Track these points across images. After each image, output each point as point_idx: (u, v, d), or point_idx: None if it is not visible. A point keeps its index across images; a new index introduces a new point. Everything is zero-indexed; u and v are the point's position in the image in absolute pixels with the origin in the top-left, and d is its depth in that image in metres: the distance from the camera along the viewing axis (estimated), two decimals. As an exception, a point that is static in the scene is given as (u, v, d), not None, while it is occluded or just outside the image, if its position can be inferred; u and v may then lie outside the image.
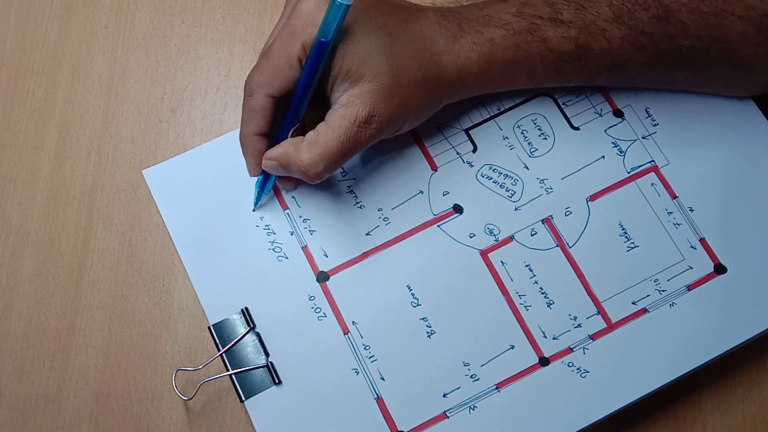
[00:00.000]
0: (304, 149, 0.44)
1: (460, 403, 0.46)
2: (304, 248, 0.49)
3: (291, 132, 0.46)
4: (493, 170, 0.50)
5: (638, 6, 0.45)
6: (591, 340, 0.47)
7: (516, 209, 0.50)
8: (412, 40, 0.45)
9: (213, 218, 0.50)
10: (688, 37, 0.45)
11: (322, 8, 0.43)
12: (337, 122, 0.44)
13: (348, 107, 0.44)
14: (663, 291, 0.48)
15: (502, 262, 0.48)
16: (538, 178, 0.50)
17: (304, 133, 0.45)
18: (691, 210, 0.49)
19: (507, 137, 0.51)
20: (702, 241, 0.49)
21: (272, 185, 0.49)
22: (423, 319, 0.48)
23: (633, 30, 0.45)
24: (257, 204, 0.50)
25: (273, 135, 0.47)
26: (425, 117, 0.47)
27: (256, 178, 0.49)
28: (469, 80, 0.47)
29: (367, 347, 0.47)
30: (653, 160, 0.50)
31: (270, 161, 0.46)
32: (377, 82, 0.44)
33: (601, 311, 0.48)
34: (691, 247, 0.49)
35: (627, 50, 0.46)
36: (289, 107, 0.46)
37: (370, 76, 0.44)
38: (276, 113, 0.46)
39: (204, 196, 0.50)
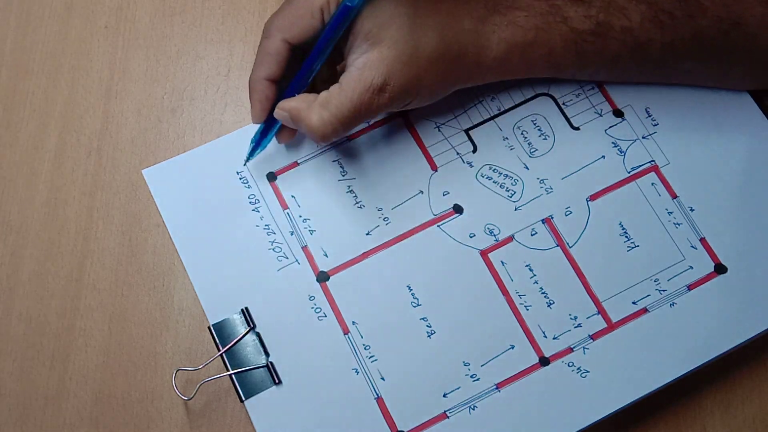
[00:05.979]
0: (315, 110, 0.44)
1: (460, 403, 0.46)
2: (304, 248, 0.49)
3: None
4: (493, 170, 0.50)
5: None
6: (591, 340, 0.47)
7: (516, 209, 0.49)
8: (437, 14, 0.45)
9: (213, 218, 0.49)
10: (706, 17, 0.45)
11: None
12: (351, 86, 0.43)
13: (363, 71, 0.43)
14: (663, 291, 0.48)
15: (502, 262, 0.48)
16: (538, 178, 0.50)
17: (312, 87, 0.45)
18: (692, 210, 0.49)
19: (507, 137, 0.51)
20: (702, 240, 0.49)
21: (268, 143, 0.49)
22: (423, 319, 0.48)
23: (652, 8, 0.45)
24: (249, 159, 0.50)
25: (283, 85, 0.47)
26: (437, 97, 0.47)
27: (258, 174, 0.50)
28: (486, 63, 0.46)
29: (367, 347, 0.47)
30: (653, 160, 0.50)
31: (282, 112, 0.46)
32: (396, 50, 0.43)
33: (601, 311, 0.48)
34: (692, 246, 0.49)
35: (647, 28, 0.46)
36: (304, 61, 0.45)
37: (389, 42, 0.43)
38: (290, 62, 0.45)
39: (204, 196, 0.50)
